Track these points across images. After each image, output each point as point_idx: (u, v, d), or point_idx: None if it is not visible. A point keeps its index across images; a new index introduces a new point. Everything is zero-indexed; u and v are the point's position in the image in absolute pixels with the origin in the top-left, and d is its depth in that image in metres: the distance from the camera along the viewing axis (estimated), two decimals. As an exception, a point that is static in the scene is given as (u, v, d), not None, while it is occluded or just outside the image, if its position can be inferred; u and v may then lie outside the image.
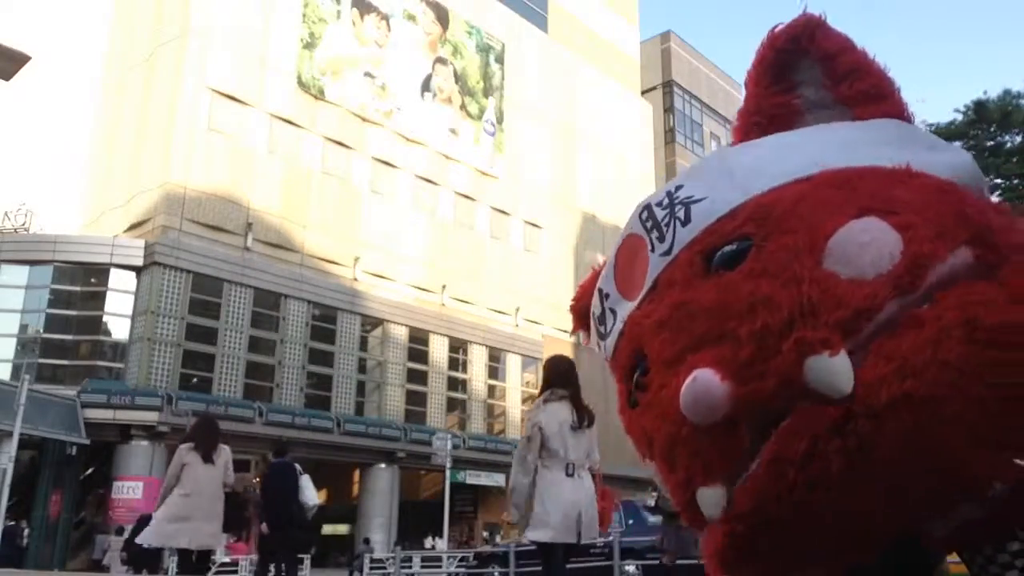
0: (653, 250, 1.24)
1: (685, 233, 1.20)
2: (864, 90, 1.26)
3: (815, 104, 1.31)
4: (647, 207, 1.29)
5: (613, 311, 1.33)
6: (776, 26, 1.30)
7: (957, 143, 21.13)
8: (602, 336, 1.38)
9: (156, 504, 6.84)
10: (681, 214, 1.22)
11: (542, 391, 4.77)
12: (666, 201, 1.26)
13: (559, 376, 4.76)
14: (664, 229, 1.23)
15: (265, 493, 8.91)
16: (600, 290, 1.38)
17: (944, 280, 1.01)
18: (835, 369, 0.96)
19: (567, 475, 4.45)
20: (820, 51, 1.28)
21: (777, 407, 1.01)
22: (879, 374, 0.95)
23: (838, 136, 1.23)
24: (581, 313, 1.64)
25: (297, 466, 9.21)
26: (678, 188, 1.26)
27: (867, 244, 1.03)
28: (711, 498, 1.08)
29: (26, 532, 19.37)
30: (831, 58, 1.28)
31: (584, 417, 4.61)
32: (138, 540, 6.54)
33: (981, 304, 0.96)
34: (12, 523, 17.81)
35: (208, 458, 6.58)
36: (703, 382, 1.02)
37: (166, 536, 6.36)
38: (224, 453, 6.81)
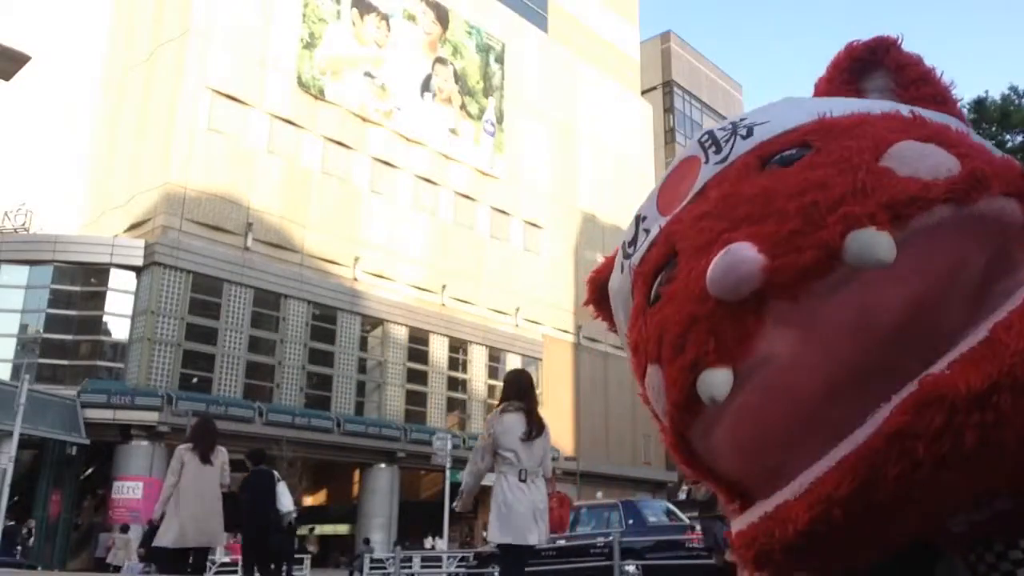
0: (707, 161, 1.22)
1: (744, 145, 1.19)
2: (930, 94, 1.29)
3: None
4: (709, 132, 1.28)
5: (647, 231, 1.28)
6: (856, 40, 1.38)
7: None
8: (628, 256, 1.32)
9: (157, 505, 6.94)
10: (744, 132, 1.21)
11: (500, 402, 5.03)
12: (729, 126, 1.25)
13: (516, 390, 5.03)
14: (723, 144, 1.22)
15: (243, 500, 8.91)
16: (637, 216, 1.33)
17: (996, 215, 1.00)
18: (877, 240, 0.92)
19: (521, 481, 4.76)
20: (894, 61, 1.33)
21: (812, 281, 0.95)
22: None
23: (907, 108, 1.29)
24: (599, 284, 1.59)
25: (275, 473, 9.47)
26: (742, 119, 1.26)
27: (927, 155, 1.02)
28: (719, 379, 0.98)
29: (27, 532, 19.33)
30: (905, 66, 1.32)
31: (534, 428, 4.87)
32: (159, 544, 6.60)
33: None
34: (12, 523, 17.78)
35: (206, 459, 6.72)
36: (736, 252, 0.96)
37: (182, 535, 6.47)
38: (221, 455, 6.94)
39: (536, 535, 4.75)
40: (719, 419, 1.03)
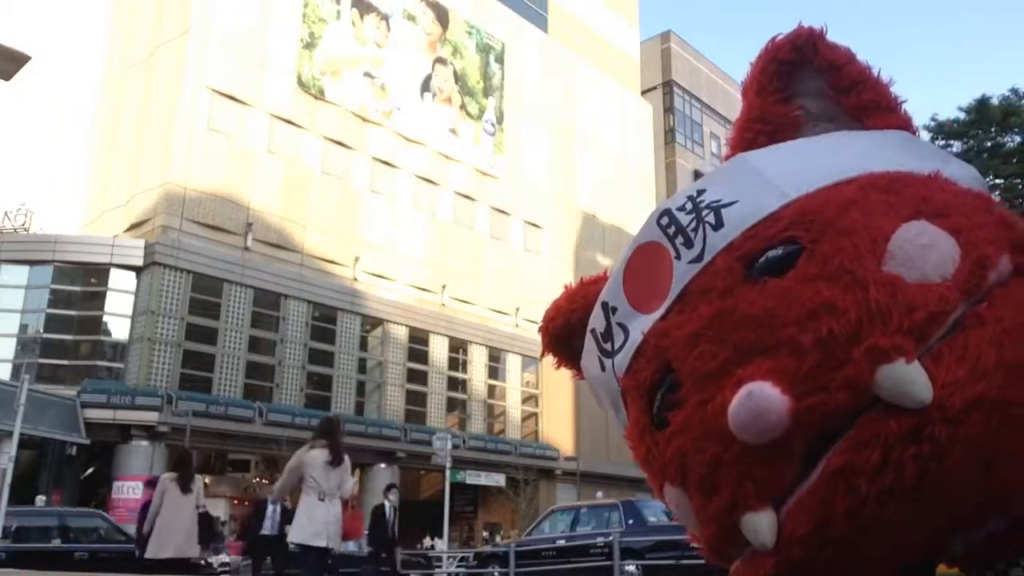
0: (679, 257, 1.13)
1: (718, 238, 1.10)
2: (872, 100, 1.21)
3: (817, 116, 1.27)
4: (666, 212, 1.18)
5: (623, 325, 1.21)
6: (776, 36, 1.26)
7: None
8: (607, 354, 1.25)
9: (144, 524, 8.35)
10: (711, 218, 1.11)
11: (312, 439, 6.66)
12: (689, 206, 1.15)
13: (322, 431, 6.74)
14: (691, 234, 1.12)
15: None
16: (605, 303, 1.26)
17: (995, 284, 0.97)
18: (911, 377, 0.89)
19: (319, 500, 6.33)
20: (824, 61, 1.23)
21: (840, 423, 0.93)
22: (954, 376, 0.90)
23: (864, 141, 1.18)
24: (555, 335, 1.52)
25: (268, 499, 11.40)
26: (700, 192, 1.17)
27: (928, 247, 0.98)
28: (763, 524, 0.97)
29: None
30: (836, 68, 1.23)
31: (335, 460, 6.47)
32: (148, 556, 8.14)
33: None
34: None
35: (186, 489, 8.16)
36: (760, 397, 0.93)
37: (158, 548, 8.00)
38: (198, 482, 8.50)
39: (326, 540, 6.34)
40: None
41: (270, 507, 11.23)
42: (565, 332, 1.46)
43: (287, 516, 10.45)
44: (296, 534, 6.44)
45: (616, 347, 1.22)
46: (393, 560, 12.59)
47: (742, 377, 0.97)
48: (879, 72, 1.24)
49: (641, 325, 1.18)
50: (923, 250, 0.98)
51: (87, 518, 13.87)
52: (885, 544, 0.96)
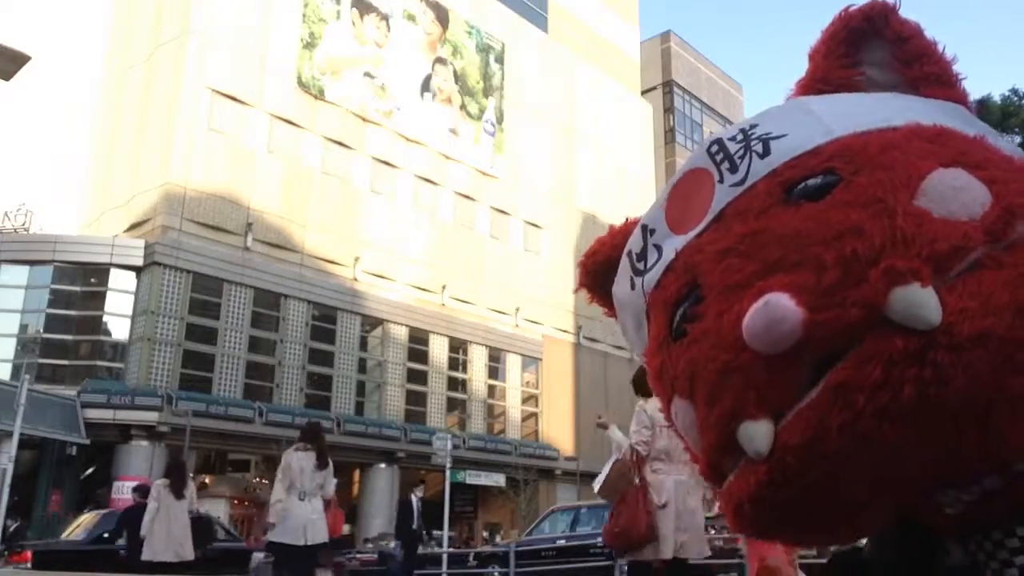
0: (722, 180, 1.17)
1: (762, 165, 1.14)
2: (933, 73, 1.24)
3: (878, 84, 1.32)
4: (717, 141, 1.22)
5: (658, 247, 1.24)
6: (850, 6, 1.29)
7: None
8: (639, 272, 1.28)
9: (142, 529, 8.71)
10: (759, 148, 1.16)
11: (297, 441, 7.13)
12: (740, 136, 1.19)
13: (307, 435, 7.18)
14: (737, 161, 1.16)
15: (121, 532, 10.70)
16: (644, 226, 1.29)
17: (1020, 237, 1.01)
18: (924, 300, 0.92)
19: (300, 500, 6.71)
20: (893, 32, 1.27)
21: (851, 339, 0.94)
22: (964, 306, 0.92)
23: (915, 104, 1.22)
24: (593, 270, 1.56)
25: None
26: (753, 126, 1.21)
27: (961, 188, 1.01)
28: (760, 432, 0.99)
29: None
30: (903, 40, 1.26)
31: (323, 463, 6.98)
32: (144, 558, 8.52)
33: None
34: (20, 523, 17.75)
35: (180, 495, 8.58)
36: (777, 306, 0.95)
37: (154, 552, 8.46)
38: (191, 487, 8.97)
39: (305, 538, 6.67)
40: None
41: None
42: (604, 268, 1.49)
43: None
44: (277, 534, 6.77)
45: (649, 265, 1.26)
46: (413, 556, 12.62)
47: (762, 288, 0.99)
48: (944, 48, 1.29)
49: (675, 244, 1.21)
50: (955, 191, 1.01)
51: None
52: (879, 467, 0.97)
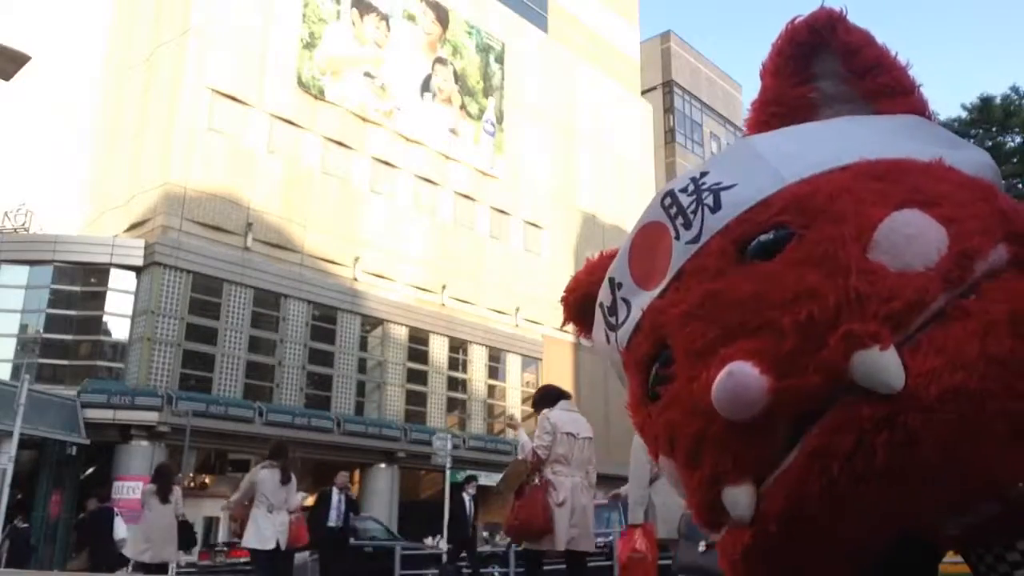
0: (678, 238, 1.18)
1: (715, 220, 1.14)
2: (887, 84, 1.23)
3: (833, 98, 1.29)
4: (669, 193, 1.23)
5: (627, 301, 1.26)
6: (795, 18, 1.28)
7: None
8: (612, 327, 1.31)
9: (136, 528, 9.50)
10: (710, 200, 1.16)
11: (265, 459, 7.94)
12: (691, 187, 1.20)
13: (274, 454, 7.92)
14: (691, 216, 1.17)
15: (85, 535, 11.38)
16: (611, 279, 1.32)
17: (986, 275, 0.98)
18: (884, 364, 0.92)
19: (268, 512, 7.55)
20: (841, 44, 1.25)
21: (817, 403, 0.96)
22: (930, 366, 0.92)
23: (869, 128, 1.19)
24: (575, 305, 1.58)
25: (116, 509, 12.18)
26: (703, 175, 1.21)
27: (914, 236, 1.00)
28: (741, 497, 1.02)
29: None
30: (853, 52, 1.25)
31: (287, 478, 7.74)
32: (125, 553, 9.46)
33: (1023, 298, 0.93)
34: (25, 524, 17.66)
35: (165, 499, 9.04)
36: (740, 376, 0.96)
37: (138, 553, 9.04)
38: (176, 492, 9.34)
39: (275, 544, 7.58)
40: None
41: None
42: (585, 302, 1.51)
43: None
44: (249, 540, 7.64)
45: (620, 321, 1.28)
46: (472, 555, 12.07)
47: (725, 356, 1.00)
48: (896, 55, 1.25)
49: (642, 302, 1.22)
50: (908, 240, 1.00)
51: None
52: (862, 525, 0.98)
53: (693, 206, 1.17)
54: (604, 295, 1.34)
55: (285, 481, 7.75)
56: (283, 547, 7.76)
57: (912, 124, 1.21)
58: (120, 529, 12.17)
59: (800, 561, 1.02)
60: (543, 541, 5.17)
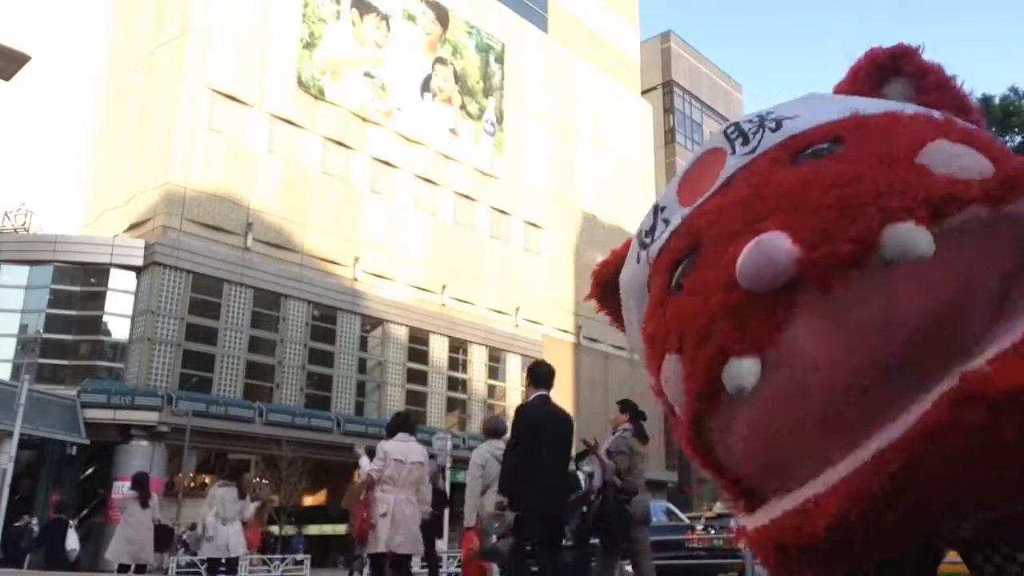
0: (734, 152, 1.20)
1: (774, 137, 1.17)
2: (949, 100, 1.28)
3: None
4: (735, 124, 1.26)
5: (667, 220, 1.27)
6: (876, 47, 1.37)
7: None
8: (645, 246, 1.30)
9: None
10: (772, 125, 1.19)
11: (220, 479, 9.59)
12: (756, 118, 1.25)
13: (230, 475, 9.61)
14: (750, 136, 1.20)
15: (38, 544, 12.61)
16: (656, 205, 1.33)
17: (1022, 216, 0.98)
18: (917, 235, 0.91)
19: (223, 524, 8.87)
20: (915, 68, 1.32)
21: (845, 274, 0.93)
22: None
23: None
24: (606, 280, 1.57)
25: (70, 521, 13.22)
26: (769, 112, 1.25)
27: (961, 155, 1.02)
28: (746, 368, 0.97)
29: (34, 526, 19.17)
30: (923, 74, 1.32)
31: (241, 494, 9.16)
32: (107, 556, 10.09)
33: None
34: (20, 523, 17.67)
35: (145, 504, 9.72)
36: (769, 242, 0.94)
37: (118, 554, 9.71)
38: (154, 498, 10.17)
39: (228, 552, 8.94)
40: (739, 411, 1.02)
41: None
42: (615, 278, 1.50)
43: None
44: (207, 551, 9.06)
45: (655, 238, 1.28)
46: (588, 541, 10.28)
47: (758, 230, 0.98)
48: (962, 82, 1.34)
49: (683, 213, 1.24)
50: (956, 156, 1.02)
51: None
52: (947, 511, 0.95)
53: (755, 129, 1.21)
54: (644, 222, 1.34)
55: (240, 496, 9.14)
56: (238, 552, 9.18)
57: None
58: (71, 539, 13.04)
59: (858, 551, 0.98)
60: (370, 544, 6.28)
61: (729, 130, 1.25)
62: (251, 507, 9.30)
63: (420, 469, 6.59)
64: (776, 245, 0.94)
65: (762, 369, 0.97)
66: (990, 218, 0.96)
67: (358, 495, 6.64)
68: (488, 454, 7.01)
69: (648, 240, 1.30)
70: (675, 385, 1.12)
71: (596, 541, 6.81)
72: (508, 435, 5.83)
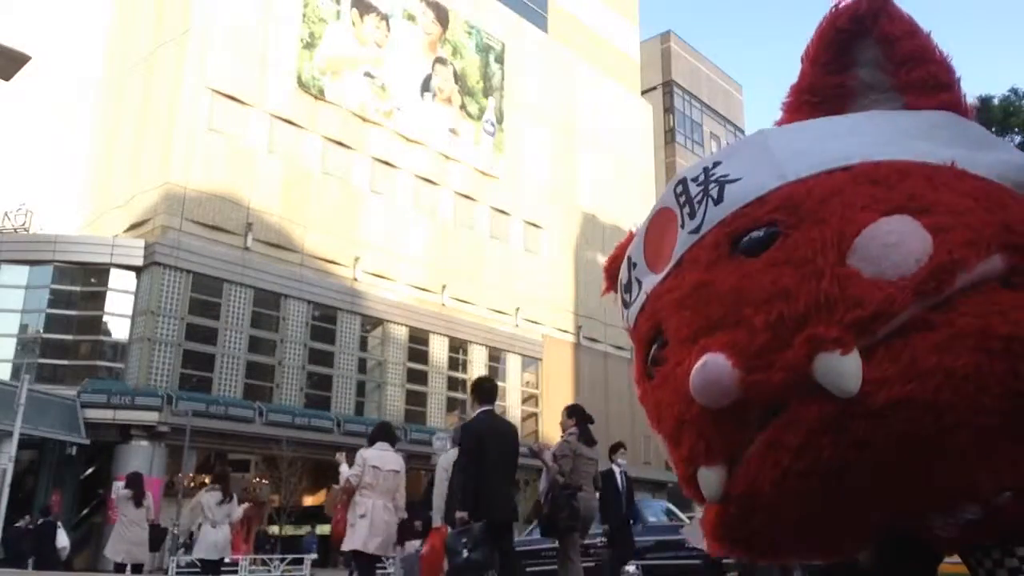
0: (683, 226, 1.25)
1: (716, 212, 1.20)
2: (922, 78, 1.23)
3: (870, 87, 1.29)
4: (682, 180, 1.30)
5: (639, 281, 1.35)
6: (839, 3, 1.27)
7: None
8: (626, 304, 1.40)
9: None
10: (715, 192, 1.22)
11: (208, 485, 9.72)
12: (702, 177, 1.26)
13: (216, 480, 9.63)
14: (696, 206, 1.24)
15: (29, 546, 12.98)
16: (629, 258, 1.40)
17: (969, 287, 0.99)
18: (843, 369, 0.96)
19: (211, 527, 9.11)
20: (883, 33, 1.25)
21: (783, 398, 1.01)
22: (883, 375, 0.95)
23: (887, 126, 1.20)
24: (614, 273, 1.63)
25: (58, 522, 13.51)
26: (715, 165, 1.26)
27: (893, 245, 1.01)
28: (711, 479, 1.09)
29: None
30: (894, 41, 1.24)
31: (227, 498, 9.30)
32: (105, 553, 10.27)
33: (999, 313, 0.94)
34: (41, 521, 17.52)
35: (139, 504, 9.81)
36: (713, 367, 1.02)
37: (114, 554, 9.88)
38: (149, 498, 10.14)
39: (218, 554, 9.32)
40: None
41: None
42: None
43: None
44: (196, 552, 9.30)
45: (631, 299, 1.37)
46: (629, 539, 9.68)
47: (704, 346, 1.07)
48: (938, 48, 1.23)
49: (648, 284, 1.31)
50: (886, 249, 1.02)
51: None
52: (816, 516, 1.03)
53: (700, 196, 1.24)
54: (622, 273, 1.43)
55: (226, 500, 9.47)
56: (226, 556, 9.49)
57: (937, 122, 1.21)
58: (61, 539, 13.11)
59: (761, 541, 1.09)
60: (347, 542, 6.80)
61: (677, 190, 1.28)
62: (238, 510, 9.56)
63: (396, 477, 7.05)
64: (719, 369, 1.02)
65: (729, 470, 1.08)
66: (927, 307, 1.01)
67: (337, 500, 7.21)
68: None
69: (627, 298, 1.40)
70: (664, 452, 1.29)
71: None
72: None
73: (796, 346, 0.99)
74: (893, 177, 1.11)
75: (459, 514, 5.65)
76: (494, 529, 5.68)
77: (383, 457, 6.98)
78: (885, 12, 1.24)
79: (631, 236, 1.54)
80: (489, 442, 5.86)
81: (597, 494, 7.67)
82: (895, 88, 1.26)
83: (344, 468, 7.38)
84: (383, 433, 7.32)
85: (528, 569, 11.92)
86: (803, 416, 0.98)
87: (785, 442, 0.99)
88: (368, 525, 6.63)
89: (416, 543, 10.92)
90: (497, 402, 6.53)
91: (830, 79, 1.30)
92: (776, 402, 1.01)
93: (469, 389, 6.52)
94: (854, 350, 0.95)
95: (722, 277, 1.13)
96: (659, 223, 1.31)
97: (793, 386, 0.99)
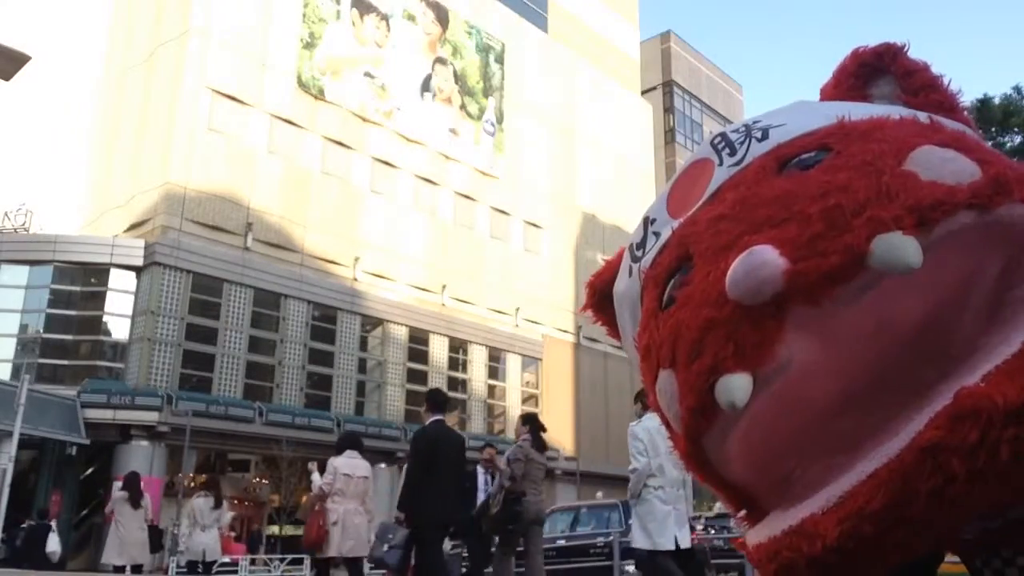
0: (721, 163, 1.20)
1: (761, 147, 1.17)
2: (937, 101, 1.28)
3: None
4: (721, 134, 1.27)
5: (657, 233, 1.27)
6: (861, 46, 1.37)
7: None
8: (637, 259, 1.30)
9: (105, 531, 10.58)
10: (759, 134, 1.20)
11: (199, 490, 10.54)
12: (742, 128, 1.25)
13: (207, 485, 10.38)
14: (737, 146, 1.21)
15: (21, 550, 13.43)
16: (646, 217, 1.33)
17: (1015, 221, 0.97)
18: (905, 245, 0.91)
19: (202, 530, 9.77)
20: (901, 68, 1.32)
21: (834, 289, 0.93)
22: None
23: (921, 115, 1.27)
24: (602, 289, 1.56)
25: (52, 526, 13.75)
26: (755, 121, 1.25)
27: (949, 160, 1.02)
28: (738, 384, 0.96)
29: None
30: (913, 72, 1.31)
31: (218, 503, 9.99)
32: (103, 560, 10.08)
33: None
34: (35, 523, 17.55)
35: (136, 505, 9.85)
36: (757, 255, 0.95)
37: (112, 556, 9.83)
38: (146, 498, 10.20)
39: (204, 556, 9.87)
40: (734, 426, 1.02)
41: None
42: (609, 287, 1.50)
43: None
44: (185, 555, 9.94)
45: (646, 251, 1.29)
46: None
47: (748, 243, 0.99)
48: (949, 81, 1.34)
49: (673, 226, 1.24)
50: (943, 162, 1.02)
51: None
52: (956, 524, 0.93)
53: (742, 139, 1.21)
54: (635, 235, 1.34)
55: (217, 506, 9.95)
56: (216, 558, 10.15)
57: (959, 127, 1.27)
58: (52, 542, 13.48)
59: (865, 568, 0.95)
60: (324, 550, 7.13)
61: (716, 141, 1.25)
62: (227, 516, 10.20)
63: (365, 483, 7.54)
64: (764, 258, 0.94)
65: (754, 383, 0.97)
66: (980, 223, 0.96)
67: (311, 507, 7.68)
68: None
69: (639, 253, 1.30)
70: (670, 399, 1.12)
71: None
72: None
73: (855, 228, 0.94)
74: (937, 125, 1.13)
75: (397, 513, 6.38)
76: (438, 527, 6.33)
77: (353, 464, 7.49)
78: (903, 53, 1.34)
79: (622, 251, 1.50)
80: (439, 450, 6.23)
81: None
82: (913, 109, 1.33)
83: (316, 476, 7.71)
84: (350, 441, 7.86)
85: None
86: (980, 408, 0.85)
87: (954, 441, 0.85)
88: (340, 531, 7.09)
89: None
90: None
91: (850, 97, 1.36)
92: (825, 292, 0.92)
93: (425, 398, 6.93)
94: (913, 235, 0.92)
95: (770, 186, 1.07)
96: (691, 174, 1.26)
97: (848, 271, 0.92)
